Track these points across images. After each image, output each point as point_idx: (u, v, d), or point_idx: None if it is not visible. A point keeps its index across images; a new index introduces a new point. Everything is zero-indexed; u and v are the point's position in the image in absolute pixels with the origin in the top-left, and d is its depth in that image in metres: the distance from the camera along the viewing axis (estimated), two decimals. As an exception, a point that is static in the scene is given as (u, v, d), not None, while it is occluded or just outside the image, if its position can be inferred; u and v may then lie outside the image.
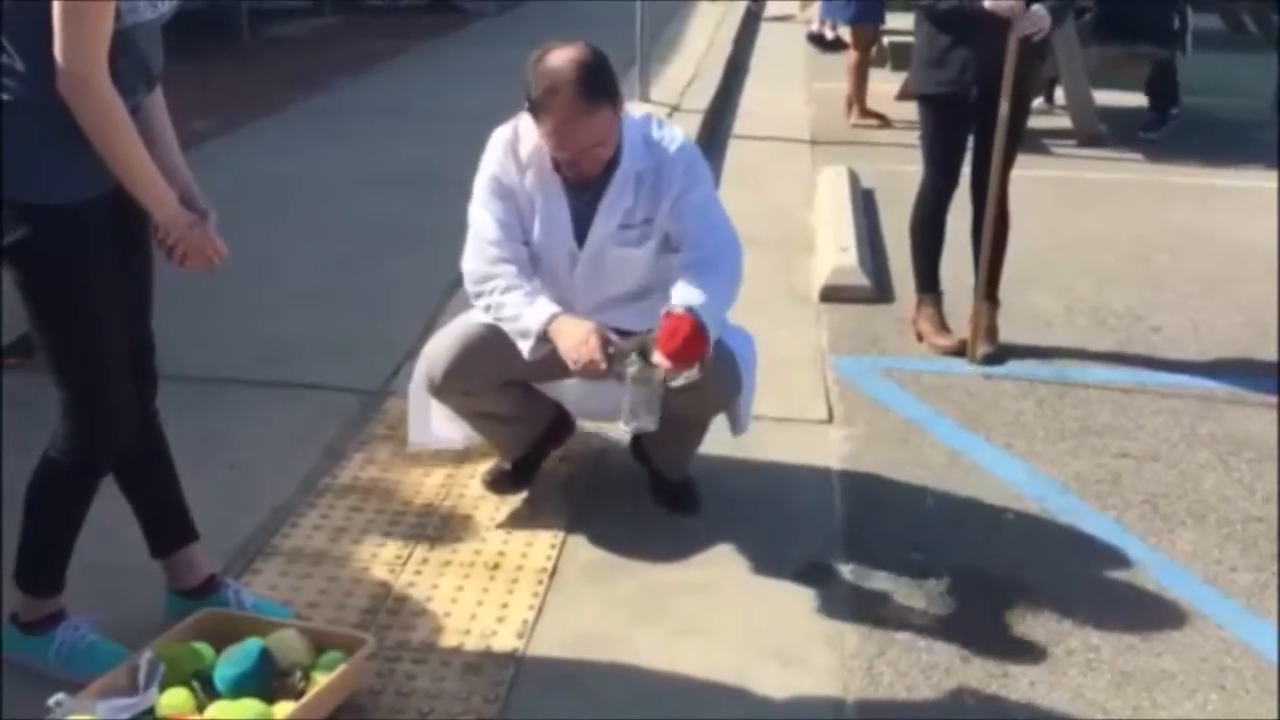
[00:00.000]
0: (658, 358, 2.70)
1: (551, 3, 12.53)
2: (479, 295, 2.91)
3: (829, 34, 10.69)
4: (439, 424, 3.17)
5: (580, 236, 2.94)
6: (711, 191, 3.01)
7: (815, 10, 11.05)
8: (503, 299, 2.85)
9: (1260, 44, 9.19)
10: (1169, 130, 7.64)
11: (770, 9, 13.42)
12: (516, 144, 2.92)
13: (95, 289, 2.28)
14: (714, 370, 2.87)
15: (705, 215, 2.93)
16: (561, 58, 2.76)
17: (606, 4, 10.26)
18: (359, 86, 8.68)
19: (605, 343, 2.73)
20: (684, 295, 2.78)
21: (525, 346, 2.81)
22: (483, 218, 2.93)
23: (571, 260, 2.96)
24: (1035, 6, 3.87)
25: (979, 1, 3.87)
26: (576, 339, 2.74)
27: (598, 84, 2.77)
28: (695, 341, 2.70)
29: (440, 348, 3.00)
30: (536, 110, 2.79)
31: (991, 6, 3.84)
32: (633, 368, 2.73)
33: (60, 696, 2.16)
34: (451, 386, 2.99)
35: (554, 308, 2.81)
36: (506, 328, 2.86)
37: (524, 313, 2.82)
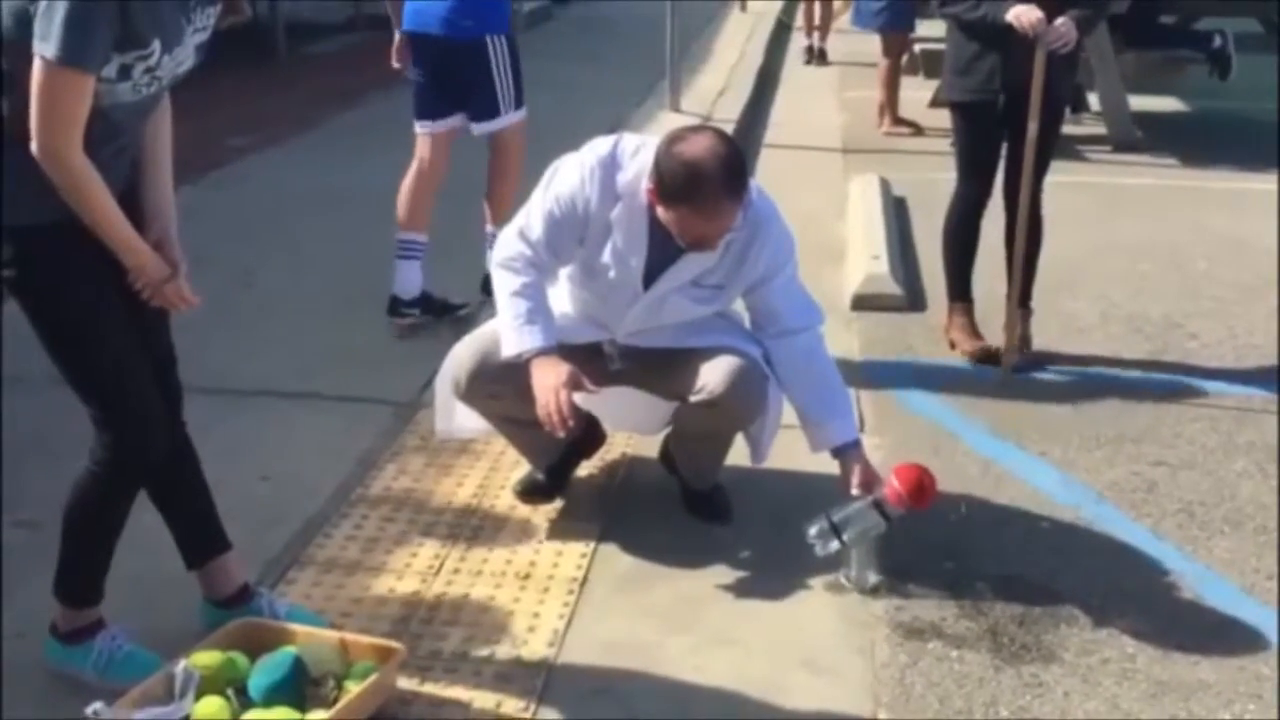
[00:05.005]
0: (895, 508, 2.82)
1: (580, 16, 12.59)
2: (496, 270, 2.95)
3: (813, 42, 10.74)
4: (462, 415, 3.16)
5: (648, 278, 2.92)
6: (794, 269, 3.01)
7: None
8: (509, 301, 2.88)
9: (1277, 48, 9.06)
10: (1231, 51, 7.47)
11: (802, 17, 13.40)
12: (615, 170, 2.85)
13: (98, 304, 2.29)
14: (738, 388, 2.88)
15: (790, 295, 2.99)
16: (704, 149, 2.68)
17: (636, 16, 10.30)
18: (392, 101, 8.70)
19: (573, 399, 2.77)
20: (842, 428, 2.95)
21: (505, 351, 2.88)
22: (537, 218, 2.90)
23: (631, 297, 2.95)
24: (1059, 20, 3.83)
25: (1002, 14, 3.85)
26: (548, 386, 2.76)
27: (740, 178, 2.74)
28: (931, 480, 2.82)
29: (467, 351, 3.02)
30: (671, 197, 2.71)
31: (1014, 20, 3.81)
32: (854, 530, 2.84)
33: (98, 705, 2.19)
34: (476, 390, 3.00)
35: (542, 343, 2.83)
36: (498, 323, 2.91)
37: (517, 332, 2.85)
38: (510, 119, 4.38)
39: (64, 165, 2.15)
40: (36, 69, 2.09)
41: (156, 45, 2.18)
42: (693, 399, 2.93)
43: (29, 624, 2.58)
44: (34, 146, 2.13)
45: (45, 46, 2.07)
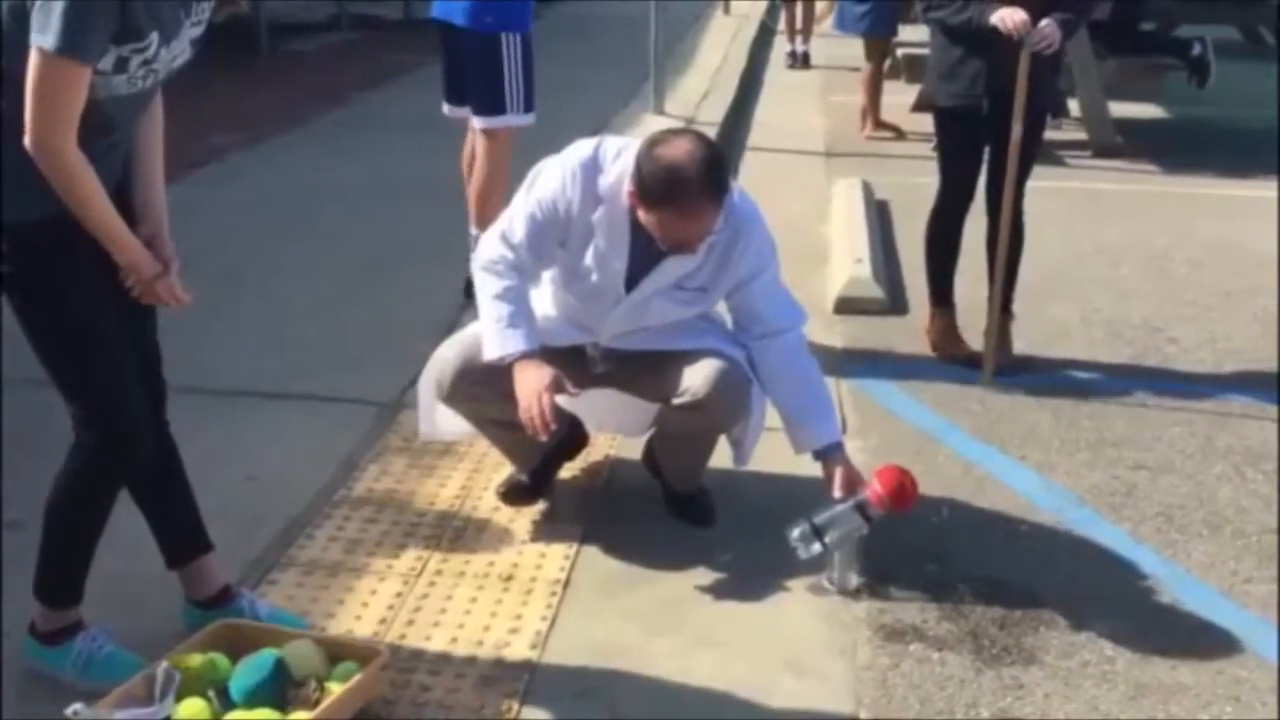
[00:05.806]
0: (877, 510, 2.83)
1: (565, 16, 12.58)
2: (478, 273, 2.95)
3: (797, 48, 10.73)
4: (445, 417, 3.16)
5: (631, 281, 2.92)
6: (776, 270, 3.02)
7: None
8: (491, 303, 2.88)
9: (1277, 55, 9.15)
10: (1210, 59, 7.52)
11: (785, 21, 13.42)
12: (596, 173, 2.85)
13: (91, 302, 2.29)
14: (721, 391, 2.89)
15: (772, 296, 3.00)
16: (685, 152, 2.67)
17: (621, 18, 10.30)
18: (377, 100, 8.74)
19: (555, 402, 2.77)
20: (825, 430, 2.97)
21: (486, 354, 2.87)
22: (519, 221, 2.90)
23: (614, 300, 2.95)
24: (1044, 22, 3.85)
25: (986, 18, 3.87)
26: (530, 390, 2.76)
27: (720, 180, 2.74)
28: (913, 483, 2.84)
29: (449, 353, 3.02)
30: (651, 200, 2.70)
31: (998, 23, 3.84)
32: (836, 532, 2.85)
33: (78, 706, 2.19)
34: (459, 392, 3.00)
35: (524, 346, 2.83)
36: (480, 326, 2.91)
37: (499, 335, 2.85)
38: (513, 120, 4.41)
39: (58, 158, 2.14)
40: (33, 60, 2.08)
41: (154, 38, 2.17)
42: (676, 401, 2.93)
43: (13, 624, 2.56)
44: (28, 139, 2.12)
45: (43, 38, 2.07)
